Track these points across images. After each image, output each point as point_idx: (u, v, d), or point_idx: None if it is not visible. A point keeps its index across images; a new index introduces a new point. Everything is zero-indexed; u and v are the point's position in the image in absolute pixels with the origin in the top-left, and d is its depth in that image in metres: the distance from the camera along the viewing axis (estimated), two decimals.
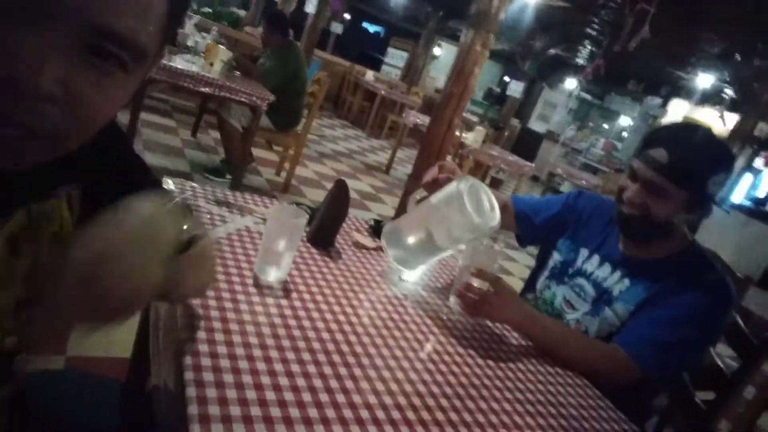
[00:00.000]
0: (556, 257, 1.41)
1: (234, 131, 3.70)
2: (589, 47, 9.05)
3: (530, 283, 1.48)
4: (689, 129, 1.23)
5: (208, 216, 1.12)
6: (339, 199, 1.18)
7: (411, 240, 1.13)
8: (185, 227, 0.59)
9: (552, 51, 9.03)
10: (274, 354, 0.75)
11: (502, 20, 3.38)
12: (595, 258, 1.32)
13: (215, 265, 0.79)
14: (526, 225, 1.46)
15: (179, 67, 3.03)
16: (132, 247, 0.47)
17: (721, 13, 4.69)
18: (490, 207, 1.10)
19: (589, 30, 7.67)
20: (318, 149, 6.13)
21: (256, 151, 4.56)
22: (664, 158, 1.12)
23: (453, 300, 1.14)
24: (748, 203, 8.71)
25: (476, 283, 1.06)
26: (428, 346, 0.94)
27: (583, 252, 1.36)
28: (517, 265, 4.61)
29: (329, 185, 1.21)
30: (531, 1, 5.45)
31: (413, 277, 1.22)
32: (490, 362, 0.97)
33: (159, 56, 0.52)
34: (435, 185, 1.18)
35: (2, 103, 0.39)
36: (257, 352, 0.74)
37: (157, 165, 3.68)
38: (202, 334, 0.73)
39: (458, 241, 1.10)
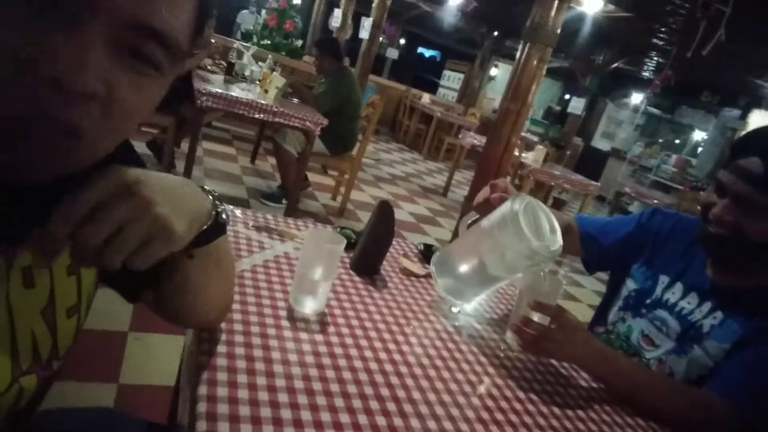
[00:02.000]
0: (630, 285, 1.24)
1: (289, 156, 3.73)
2: (656, 58, 8.62)
3: (600, 315, 1.31)
4: None
5: (246, 242, 1.06)
6: (384, 222, 1.09)
7: (462, 269, 1.02)
8: (218, 210, 0.58)
9: (614, 65, 8.65)
10: (302, 400, 0.66)
11: (559, 34, 3.24)
12: (678, 286, 1.14)
13: (234, 270, 0.72)
14: (593, 248, 1.30)
15: (235, 95, 3.10)
16: (167, 186, 0.47)
17: None
18: (550, 228, 0.97)
19: (655, 40, 7.30)
20: (374, 173, 6.11)
21: (313, 176, 4.58)
22: (758, 168, 0.95)
23: (510, 335, 1.00)
24: None
25: (536, 316, 0.93)
26: (482, 389, 0.82)
27: (663, 279, 1.18)
28: (583, 290, 4.33)
29: None
30: (589, 13, 5.23)
31: (467, 307, 1.10)
32: (555, 409, 0.84)
33: (189, 59, 0.51)
34: (487, 206, 1.05)
35: (47, 101, 0.39)
36: (283, 398, 0.65)
37: (217, 192, 3.74)
38: (222, 375, 0.66)
39: (515, 269, 0.97)
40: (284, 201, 3.85)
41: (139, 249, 0.45)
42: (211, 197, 0.58)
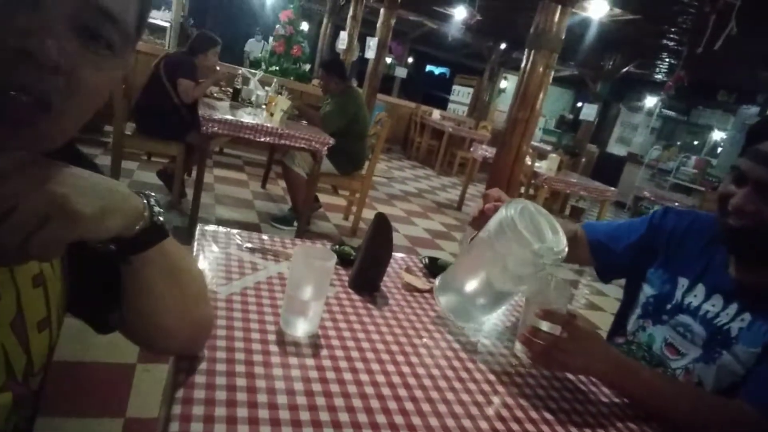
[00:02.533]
0: (647, 291, 1.15)
1: (298, 178, 3.71)
2: (668, 60, 8.51)
3: (619, 325, 1.22)
4: None
5: (237, 264, 1.02)
6: (381, 236, 1.03)
7: (466, 289, 0.95)
8: (154, 212, 0.55)
9: (625, 69, 8.55)
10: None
11: (566, 41, 3.19)
12: (700, 288, 1.06)
13: (200, 284, 0.67)
14: (604, 256, 1.22)
15: (240, 119, 3.10)
16: (75, 173, 0.46)
17: None
18: (551, 230, 0.90)
19: (665, 41, 7.21)
20: (387, 191, 6.07)
21: (324, 197, 4.55)
22: None
23: (519, 348, 0.93)
24: None
25: (545, 326, 0.86)
26: (491, 411, 0.75)
27: (682, 282, 1.09)
28: (607, 299, 4.19)
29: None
30: (595, 18, 5.18)
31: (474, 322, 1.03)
32: (572, 428, 0.76)
33: (134, 47, 0.55)
34: (482, 219, 0.98)
35: (16, 73, 0.43)
36: (265, 431, 0.59)
37: (228, 217, 3.75)
38: (198, 410, 0.60)
39: (521, 279, 0.90)
40: (295, 223, 3.82)
41: (38, 231, 0.41)
42: (146, 201, 0.55)
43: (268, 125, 3.19)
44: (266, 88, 4.28)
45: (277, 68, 7.65)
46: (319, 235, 3.91)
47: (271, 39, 7.94)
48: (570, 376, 0.92)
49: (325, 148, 3.35)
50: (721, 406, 0.88)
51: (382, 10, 6.72)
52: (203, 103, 3.51)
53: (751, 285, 0.98)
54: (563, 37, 3.13)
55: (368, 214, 4.65)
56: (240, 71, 4.49)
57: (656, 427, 0.83)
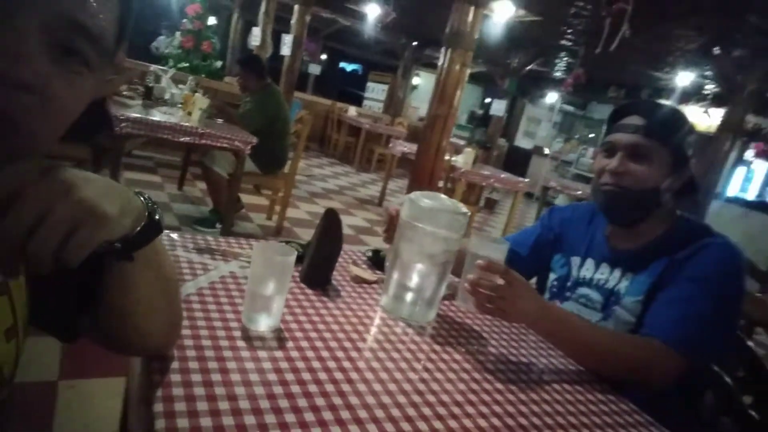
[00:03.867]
0: (551, 277, 1.36)
1: (220, 179, 3.61)
2: (566, 59, 9.15)
3: None
4: (652, 100, 1.37)
5: (188, 265, 1.01)
6: (331, 231, 1.07)
7: (411, 285, 1.03)
8: (151, 208, 0.56)
9: (529, 67, 9.09)
10: (270, 419, 0.62)
11: (478, 40, 3.36)
12: (590, 262, 1.26)
13: (177, 281, 0.68)
14: (517, 262, 1.37)
15: (156, 119, 2.96)
16: (89, 176, 0.46)
17: (692, 6, 4.71)
18: (444, 200, 1.04)
19: (563, 41, 7.75)
20: (308, 189, 6.05)
21: (245, 197, 4.46)
22: (640, 120, 1.13)
23: (460, 300, 1.06)
24: (743, 196, 8.67)
25: (484, 276, 0.96)
26: (450, 386, 0.81)
27: (575, 260, 1.30)
28: None
29: None
30: (503, 18, 5.48)
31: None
32: (522, 395, 0.84)
33: (114, 63, 0.53)
34: (392, 226, 1.14)
35: None
36: (249, 420, 0.61)
37: None
38: (180, 406, 0.61)
39: (448, 242, 1.00)
40: (218, 225, 3.72)
41: (68, 239, 0.42)
42: (141, 197, 0.55)
43: (187, 125, 3.08)
44: (180, 86, 4.11)
45: (187, 65, 7.34)
46: (243, 236, 3.82)
47: (178, 34, 7.59)
48: (513, 349, 1.01)
49: (249, 147, 3.29)
50: (633, 339, 1.04)
51: (296, 7, 6.65)
52: (113, 101, 3.31)
53: (626, 250, 1.19)
54: (477, 37, 3.30)
55: (291, 213, 4.62)
56: (151, 68, 4.27)
57: (576, 369, 0.94)
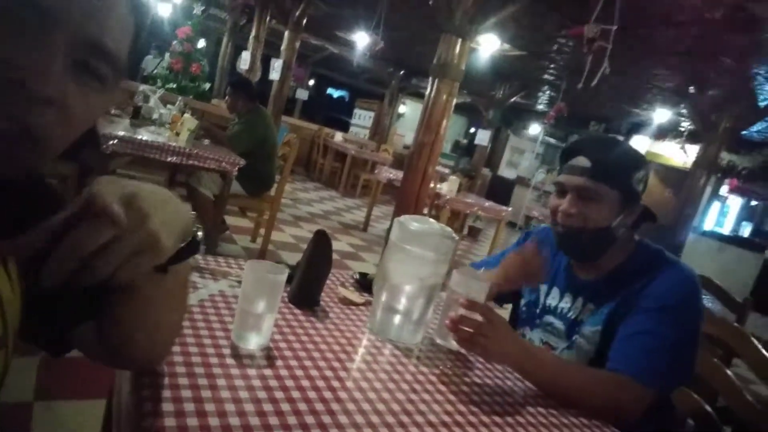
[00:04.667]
0: (522, 302, 1.38)
1: (205, 200, 3.59)
2: (549, 92, 9.39)
3: None
4: (599, 137, 1.42)
5: None
6: (321, 252, 1.08)
7: (394, 308, 1.04)
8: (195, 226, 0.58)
9: (513, 99, 9.31)
10: None
11: (464, 71, 3.45)
12: (555, 291, 1.29)
13: (187, 300, 0.69)
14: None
15: (144, 138, 2.96)
16: (159, 200, 0.49)
17: (669, 47, 4.91)
18: (438, 225, 1.06)
19: (546, 75, 7.97)
20: (293, 213, 6.04)
21: (230, 219, 4.44)
22: (586, 163, 1.14)
23: (440, 337, 1.07)
24: (719, 230, 8.89)
25: (466, 314, 0.97)
26: (437, 407, 0.82)
27: (543, 288, 1.32)
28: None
29: None
30: (488, 52, 5.63)
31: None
32: (508, 418, 0.86)
33: (124, 80, 0.56)
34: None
35: (9, 103, 0.43)
36: None
37: None
38: (171, 421, 0.61)
39: (437, 264, 1.02)
40: (202, 246, 3.69)
41: (129, 261, 0.45)
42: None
43: (175, 145, 3.08)
44: (168, 106, 4.13)
45: (175, 86, 7.37)
46: (235, 258, 3.80)
47: (167, 55, 7.64)
48: (493, 371, 1.02)
49: (236, 168, 3.30)
50: (600, 374, 1.04)
51: (286, 33, 6.76)
52: (100, 119, 3.31)
53: (589, 281, 1.22)
54: (464, 68, 3.39)
55: (276, 236, 4.61)
56: (141, 88, 4.29)
57: (551, 402, 0.95)
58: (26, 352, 1.68)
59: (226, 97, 4.05)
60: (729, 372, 1.28)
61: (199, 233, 0.57)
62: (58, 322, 0.63)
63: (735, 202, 10.19)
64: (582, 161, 1.15)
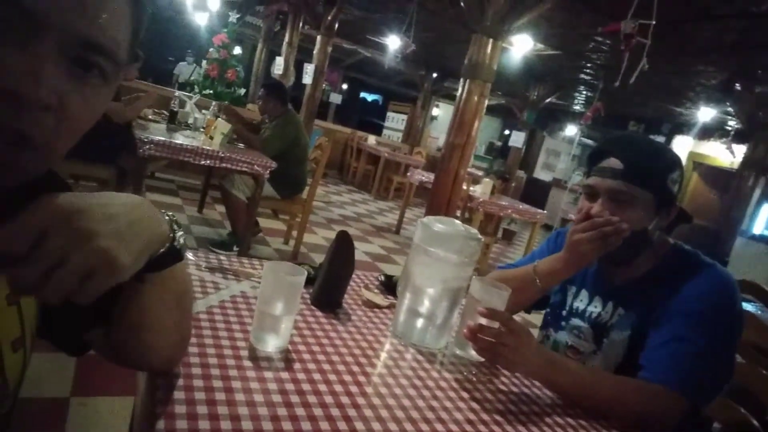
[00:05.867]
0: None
1: (238, 203, 3.65)
2: (585, 92, 9.16)
3: None
4: (629, 136, 1.30)
5: (199, 284, 1.01)
6: (343, 253, 1.07)
7: (418, 311, 1.01)
8: (176, 236, 0.57)
9: (548, 100, 9.12)
10: None
11: (496, 71, 3.38)
12: (584, 293, 1.23)
13: (192, 301, 0.69)
14: None
15: (179, 142, 3.03)
16: (112, 213, 0.46)
17: (712, 41, 4.71)
18: (462, 227, 1.02)
19: (582, 75, 7.78)
20: (326, 215, 6.07)
21: (263, 221, 4.50)
22: (618, 165, 1.08)
23: (459, 348, 1.02)
24: None
25: (486, 323, 0.93)
26: (458, 415, 0.79)
27: (571, 289, 1.27)
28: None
29: None
30: (521, 52, 5.53)
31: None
32: (533, 427, 0.82)
33: (126, 72, 0.55)
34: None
35: (4, 113, 0.41)
36: None
37: None
38: (182, 423, 0.60)
39: (462, 267, 0.99)
40: (235, 248, 3.75)
41: (80, 284, 0.42)
42: (168, 220, 0.56)
43: (208, 148, 3.14)
44: (203, 111, 4.21)
45: (211, 92, 7.53)
46: (259, 259, 3.84)
47: (204, 62, 7.81)
48: (517, 381, 0.98)
49: (268, 171, 3.33)
50: (631, 383, 0.98)
51: (318, 38, 6.82)
52: (138, 124, 3.40)
53: (620, 285, 1.16)
54: (495, 69, 3.33)
55: (308, 239, 4.64)
56: (176, 94, 4.39)
57: (580, 413, 0.90)
58: None
59: (259, 101, 4.11)
60: None
61: (181, 239, 0.56)
62: (71, 325, 0.63)
63: None
64: (614, 163, 1.09)
